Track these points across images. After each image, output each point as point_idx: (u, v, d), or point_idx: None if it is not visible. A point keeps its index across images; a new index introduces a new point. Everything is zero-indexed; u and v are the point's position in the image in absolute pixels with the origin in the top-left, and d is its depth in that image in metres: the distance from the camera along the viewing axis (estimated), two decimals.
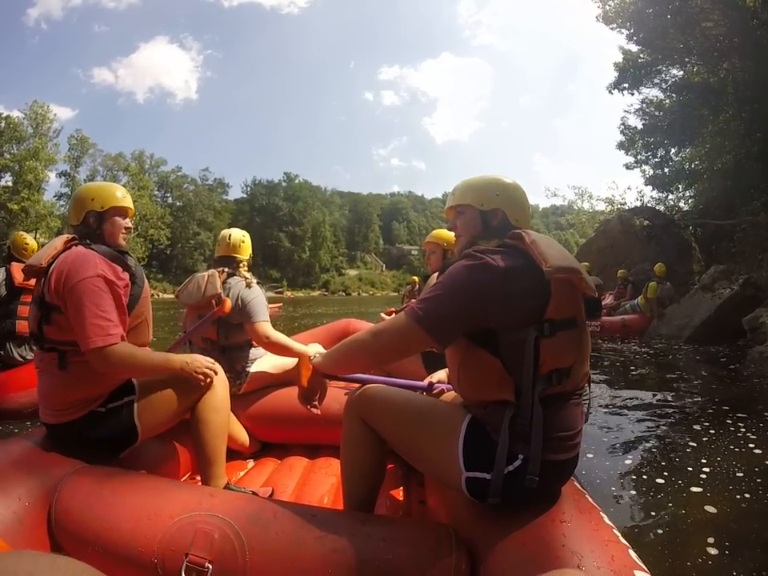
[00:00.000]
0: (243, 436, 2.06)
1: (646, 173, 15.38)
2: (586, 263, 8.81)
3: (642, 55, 13.12)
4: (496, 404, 1.09)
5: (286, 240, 65.31)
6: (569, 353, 1.07)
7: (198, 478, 1.66)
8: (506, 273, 1.04)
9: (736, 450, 2.57)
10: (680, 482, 2.20)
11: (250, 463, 2.07)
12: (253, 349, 2.23)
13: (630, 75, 13.47)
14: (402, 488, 1.74)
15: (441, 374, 1.61)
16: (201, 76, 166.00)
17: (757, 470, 2.30)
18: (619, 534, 0.98)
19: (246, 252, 2.32)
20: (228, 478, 1.66)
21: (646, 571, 0.86)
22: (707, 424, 3.01)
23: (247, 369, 2.18)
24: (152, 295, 1.74)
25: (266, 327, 2.10)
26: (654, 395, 3.89)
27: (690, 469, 2.34)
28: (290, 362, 2.19)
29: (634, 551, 0.93)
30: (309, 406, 1.27)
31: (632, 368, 5.21)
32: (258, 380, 2.19)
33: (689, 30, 11.28)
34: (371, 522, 1.13)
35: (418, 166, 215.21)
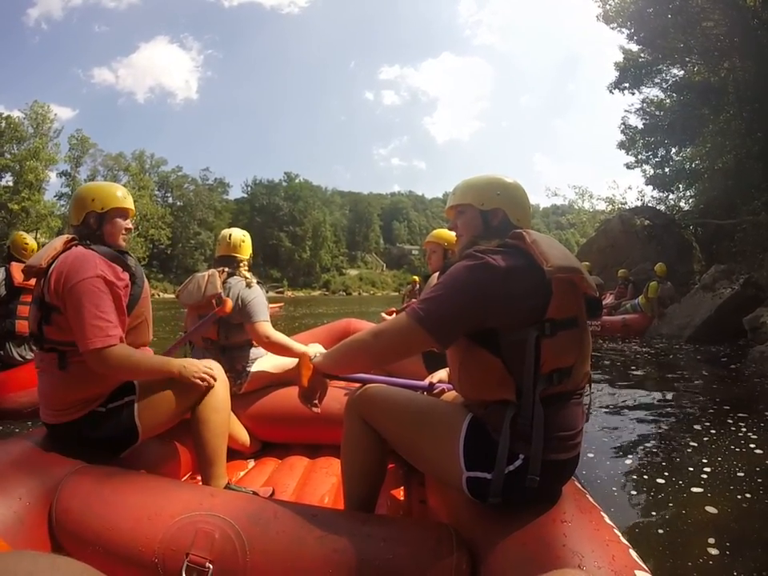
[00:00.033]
0: (244, 436, 2.06)
1: (647, 172, 15.40)
2: (587, 263, 8.81)
3: (642, 55, 13.12)
4: (497, 404, 1.09)
5: (287, 240, 65.35)
6: (570, 352, 1.07)
7: (199, 477, 1.66)
8: (507, 272, 1.04)
9: (737, 449, 2.56)
10: (681, 481, 2.20)
11: (251, 463, 2.07)
12: (253, 348, 2.22)
13: (630, 75, 13.47)
14: (402, 488, 1.74)
15: (441, 374, 1.61)
16: (201, 76, 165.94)
17: (758, 469, 2.30)
18: (620, 534, 0.98)
19: (246, 252, 2.32)
20: (228, 478, 1.66)
21: (646, 571, 0.86)
22: (708, 424, 3.01)
23: (248, 368, 2.18)
24: (152, 295, 1.74)
25: (266, 327, 2.10)
26: (655, 395, 3.90)
27: (691, 469, 2.34)
28: (290, 361, 2.19)
29: (635, 551, 0.93)
30: (309, 406, 1.27)
31: (633, 368, 5.21)
32: (259, 380, 2.19)
33: (689, 30, 11.28)
34: (372, 522, 1.12)
35: (419, 166, 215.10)
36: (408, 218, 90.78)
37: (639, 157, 15.19)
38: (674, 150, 14.84)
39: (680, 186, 15.04)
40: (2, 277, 3.23)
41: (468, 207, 1.25)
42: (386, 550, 1.02)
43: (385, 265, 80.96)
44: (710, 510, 1.92)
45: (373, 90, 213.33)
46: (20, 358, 3.19)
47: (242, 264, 2.28)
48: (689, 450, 2.60)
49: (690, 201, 15.22)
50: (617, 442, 2.76)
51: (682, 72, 13.25)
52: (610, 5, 12.60)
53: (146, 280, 1.62)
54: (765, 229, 9.24)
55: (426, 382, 1.59)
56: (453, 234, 1.39)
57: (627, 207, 14.93)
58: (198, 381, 1.57)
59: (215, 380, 1.62)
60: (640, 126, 14.76)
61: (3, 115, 38.76)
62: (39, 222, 36.87)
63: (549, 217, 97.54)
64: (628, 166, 15.66)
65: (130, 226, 1.64)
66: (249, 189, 70.50)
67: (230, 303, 2.04)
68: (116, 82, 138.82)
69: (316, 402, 1.27)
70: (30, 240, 3.57)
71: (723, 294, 6.75)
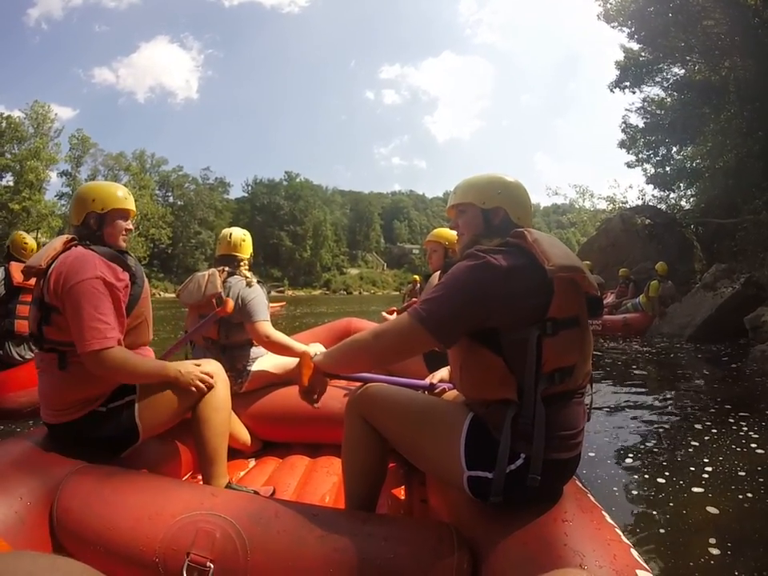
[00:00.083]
0: (244, 435, 2.06)
1: (648, 171, 15.38)
2: (588, 262, 8.79)
3: (643, 53, 13.09)
4: (498, 403, 1.09)
5: (287, 239, 65.33)
6: (571, 352, 1.07)
7: (200, 477, 1.66)
8: (509, 272, 1.04)
9: (738, 449, 2.56)
10: (682, 481, 2.20)
11: (252, 462, 2.07)
12: (254, 348, 2.22)
13: (631, 74, 13.45)
14: (403, 487, 1.74)
15: (442, 373, 1.61)
16: (201, 75, 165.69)
17: (759, 469, 2.30)
18: (621, 534, 0.97)
19: (246, 251, 2.32)
20: (229, 477, 1.66)
21: (647, 570, 0.86)
22: (709, 423, 3.00)
23: (248, 368, 2.18)
24: (153, 295, 1.74)
25: (266, 327, 2.10)
26: (656, 394, 3.89)
27: (692, 468, 2.33)
28: (291, 361, 2.19)
29: (636, 550, 0.93)
30: (309, 401, 1.27)
31: (633, 367, 5.20)
32: (260, 379, 2.18)
33: (690, 29, 11.26)
34: (373, 521, 1.12)
35: (419, 165, 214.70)
36: (409, 217, 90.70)
37: (640, 156, 15.17)
38: (674, 149, 14.82)
39: (681, 184, 15.02)
40: (2, 276, 3.24)
41: (469, 206, 1.25)
42: (387, 549, 1.02)
43: (385, 264, 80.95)
44: (711, 509, 1.92)
45: (373, 89, 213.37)
46: (19, 358, 3.19)
47: (242, 263, 2.28)
48: (690, 450, 2.59)
49: (691, 200, 15.22)
50: (618, 442, 2.76)
51: (683, 71, 13.23)
52: (610, 4, 12.57)
53: (146, 280, 1.62)
54: (766, 228, 9.22)
55: (427, 381, 1.59)
56: (453, 233, 1.39)
57: (628, 206, 14.90)
58: (194, 388, 1.56)
59: (212, 384, 1.61)
60: (641, 124, 14.74)
61: (4, 115, 38.85)
62: (40, 221, 36.87)
63: (549, 216, 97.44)
64: (629, 165, 15.65)
65: (131, 226, 1.63)
66: (249, 188, 70.57)
67: (231, 303, 2.04)
68: (116, 81, 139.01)
69: (316, 396, 1.27)
70: (29, 240, 3.58)
71: (724, 293, 6.74)
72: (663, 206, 14.50)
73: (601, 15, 12.77)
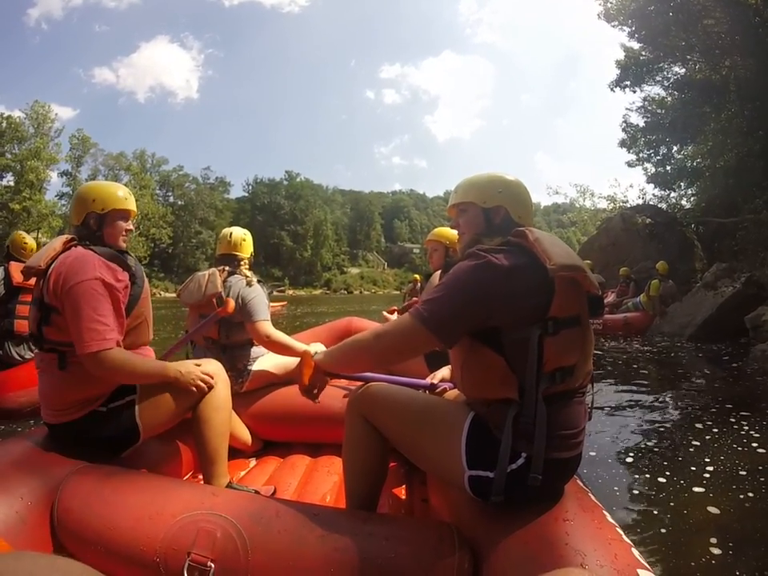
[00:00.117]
0: (245, 434, 2.06)
1: (648, 171, 15.38)
2: (589, 261, 8.79)
3: (643, 53, 13.09)
4: (499, 402, 1.09)
5: (288, 239, 65.30)
6: (572, 351, 1.07)
7: (200, 476, 1.66)
8: (510, 271, 1.04)
9: (739, 448, 2.56)
10: (682, 480, 2.19)
11: (252, 462, 2.07)
12: (254, 347, 2.22)
13: (631, 73, 13.44)
14: (404, 486, 1.74)
15: (443, 372, 1.61)
16: (202, 75, 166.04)
17: (760, 468, 2.29)
18: (622, 533, 0.97)
19: (247, 250, 2.32)
20: (230, 477, 1.66)
21: (649, 570, 0.86)
22: (710, 422, 3.00)
23: (249, 367, 2.18)
24: (154, 294, 1.74)
25: (267, 326, 2.09)
26: (657, 393, 3.89)
27: (693, 468, 2.33)
28: (291, 360, 2.19)
29: (637, 550, 0.93)
30: (309, 397, 1.28)
31: (634, 366, 5.20)
32: (260, 378, 2.18)
33: (690, 28, 11.24)
34: (373, 521, 1.12)
35: (420, 164, 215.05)
36: (409, 217, 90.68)
37: (640, 155, 15.16)
38: (675, 148, 14.82)
39: (681, 184, 15.01)
40: (1, 276, 3.23)
41: (470, 205, 1.24)
42: (388, 548, 1.02)
43: (386, 263, 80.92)
44: (712, 509, 1.91)
45: (374, 88, 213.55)
46: (19, 358, 3.19)
47: (242, 263, 2.28)
48: (691, 449, 2.59)
49: (692, 199, 15.20)
50: (619, 441, 2.76)
51: (684, 70, 13.21)
52: (611, 3, 12.55)
53: (146, 279, 1.62)
54: (766, 227, 9.21)
55: (428, 380, 1.59)
56: (454, 232, 1.38)
57: (629, 205, 14.90)
58: (194, 388, 1.56)
59: (213, 384, 1.61)
60: (641, 124, 14.74)
61: (4, 115, 38.84)
62: (40, 221, 36.89)
63: (550, 215, 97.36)
64: (629, 165, 15.66)
65: (131, 227, 1.62)
66: (250, 188, 70.52)
67: (232, 303, 2.03)
68: (117, 81, 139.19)
69: (316, 391, 1.27)
70: (29, 239, 3.58)
71: (725, 292, 6.73)
72: (664, 206, 14.50)
73: (601, 14, 12.78)
